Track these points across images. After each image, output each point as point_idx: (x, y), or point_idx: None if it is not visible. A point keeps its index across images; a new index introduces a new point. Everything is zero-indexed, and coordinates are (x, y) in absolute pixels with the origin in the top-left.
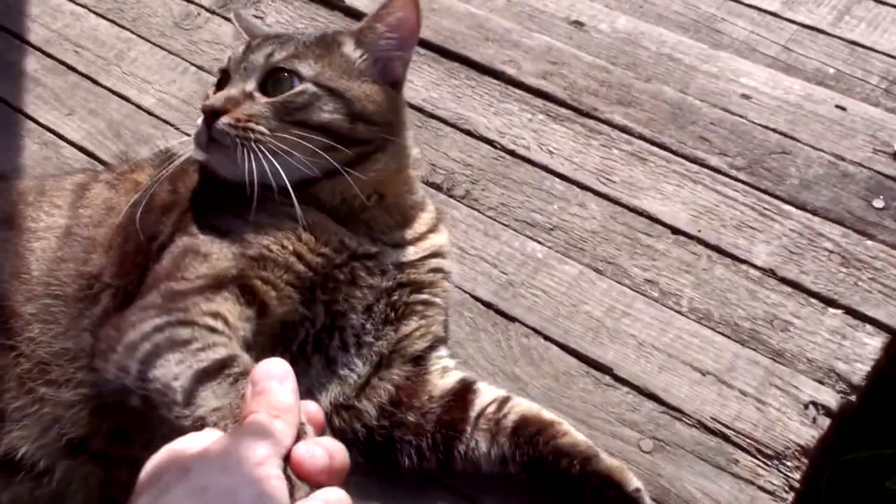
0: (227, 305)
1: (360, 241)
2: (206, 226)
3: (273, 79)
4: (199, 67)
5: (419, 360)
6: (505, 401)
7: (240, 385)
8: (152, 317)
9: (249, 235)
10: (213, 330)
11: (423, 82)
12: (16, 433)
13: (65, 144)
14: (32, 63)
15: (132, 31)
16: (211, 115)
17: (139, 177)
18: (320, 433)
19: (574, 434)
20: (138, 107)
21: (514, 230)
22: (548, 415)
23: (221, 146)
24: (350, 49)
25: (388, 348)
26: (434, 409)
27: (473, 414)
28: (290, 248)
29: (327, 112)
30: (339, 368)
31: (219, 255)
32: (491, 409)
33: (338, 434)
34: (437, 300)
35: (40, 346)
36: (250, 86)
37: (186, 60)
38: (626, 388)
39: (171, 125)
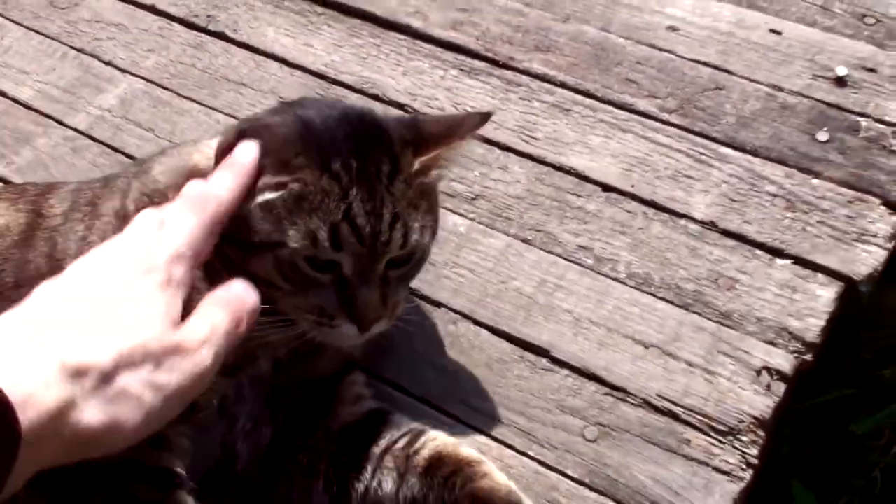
0: None
1: None
2: None
3: None
4: (80, 51)
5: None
6: (418, 434)
7: None
8: None
9: None
10: None
11: (323, 45)
12: None
13: None
14: None
15: (3, 16)
16: None
17: None
18: None
19: (495, 476)
20: (15, 101)
21: None
22: (466, 452)
23: None
24: None
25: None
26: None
27: (378, 450)
28: None
29: None
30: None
31: None
32: (401, 443)
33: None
34: None
35: None
36: None
37: (65, 44)
38: (564, 371)
39: (54, 119)
